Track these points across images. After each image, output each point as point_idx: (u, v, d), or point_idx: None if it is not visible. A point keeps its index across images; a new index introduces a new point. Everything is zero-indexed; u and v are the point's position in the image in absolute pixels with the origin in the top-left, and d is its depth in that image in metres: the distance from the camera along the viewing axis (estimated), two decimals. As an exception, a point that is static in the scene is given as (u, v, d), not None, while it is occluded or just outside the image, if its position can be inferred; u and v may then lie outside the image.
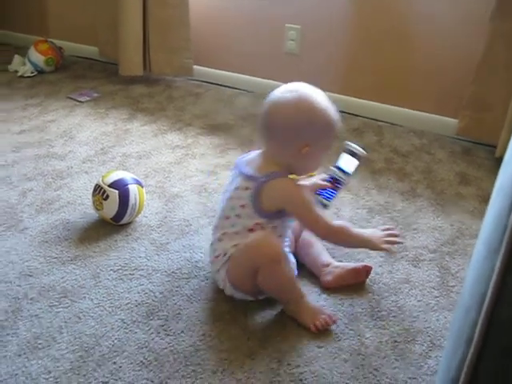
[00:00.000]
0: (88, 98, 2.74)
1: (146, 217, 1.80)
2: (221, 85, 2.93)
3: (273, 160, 1.41)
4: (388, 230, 1.52)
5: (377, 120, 2.56)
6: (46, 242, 1.68)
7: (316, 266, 1.57)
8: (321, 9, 2.56)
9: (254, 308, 1.44)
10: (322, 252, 1.59)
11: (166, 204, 1.88)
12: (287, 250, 1.49)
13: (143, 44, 2.84)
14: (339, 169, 1.56)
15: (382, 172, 2.12)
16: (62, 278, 1.53)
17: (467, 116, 2.28)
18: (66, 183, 1.99)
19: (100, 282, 1.52)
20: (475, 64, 2.18)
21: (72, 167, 2.09)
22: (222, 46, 2.91)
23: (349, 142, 1.59)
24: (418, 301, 1.50)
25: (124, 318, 1.40)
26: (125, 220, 1.73)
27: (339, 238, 1.44)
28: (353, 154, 1.57)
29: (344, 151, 1.58)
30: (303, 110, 1.36)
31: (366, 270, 1.56)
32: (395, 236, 1.50)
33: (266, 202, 1.37)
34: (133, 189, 1.72)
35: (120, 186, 1.70)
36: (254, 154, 1.48)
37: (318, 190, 1.54)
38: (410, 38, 2.42)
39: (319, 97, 1.39)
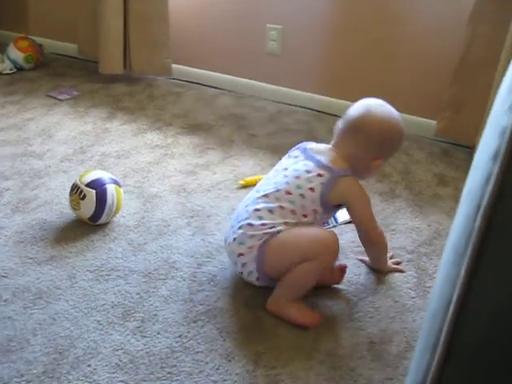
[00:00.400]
0: (68, 97, 2.71)
1: (124, 217, 1.79)
2: (202, 84, 2.92)
3: (346, 159, 1.48)
4: (397, 262, 1.65)
5: (357, 121, 2.57)
6: (22, 242, 1.66)
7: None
8: (302, 9, 2.56)
9: (231, 309, 1.44)
10: None
11: (144, 204, 1.87)
12: None
13: (124, 41, 2.82)
14: (337, 222, 1.80)
15: (361, 173, 2.13)
16: (38, 278, 1.52)
17: (446, 118, 2.29)
18: (44, 182, 1.97)
19: (76, 282, 1.51)
20: (453, 66, 2.20)
21: (50, 166, 2.07)
22: (203, 45, 2.90)
23: None
24: (395, 301, 1.51)
25: (100, 319, 1.39)
26: (102, 220, 1.72)
27: (380, 243, 1.55)
28: None
29: None
30: (395, 129, 1.52)
31: (341, 270, 1.57)
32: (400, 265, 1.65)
33: (334, 194, 1.44)
34: (110, 189, 1.71)
35: (97, 185, 1.69)
36: (322, 146, 1.54)
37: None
38: (391, 40, 2.43)
39: (400, 120, 1.55)
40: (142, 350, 1.31)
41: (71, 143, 2.25)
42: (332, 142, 1.54)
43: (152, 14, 2.74)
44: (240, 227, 1.43)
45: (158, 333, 1.36)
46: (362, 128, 1.49)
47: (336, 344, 1.36)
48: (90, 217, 1.70)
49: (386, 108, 1.53)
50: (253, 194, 1.50)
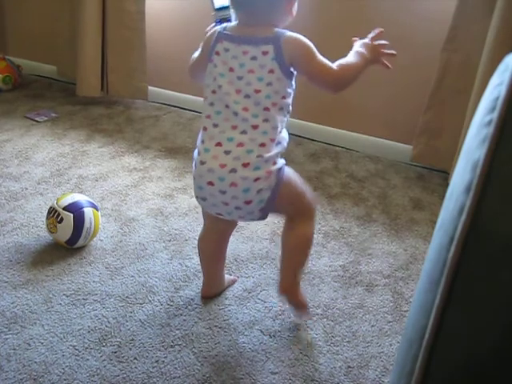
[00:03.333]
0: (45, 118, 2.70)
1: (102, 240, 1.78)
2: (180, 107, 2.93)
3: (268, 24, 1.35)
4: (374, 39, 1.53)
5: (333, 145, 2.60)
6: (-3, 265, 1.64)
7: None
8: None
9: (208, 334, 1.44)
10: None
11: (121, 227, 1.86)
12: None
13: (101, 65, 2.84)
14: (218, 9, 1.56)
15: (338, 197, 2.15)
16: (13, 303, 1.50)
17: (421, 143, 2.33)
18: (20, 205, 1.95)
19: (52, 307, 1.49)
20: (428, 92, 2.24)
21: (27, 188, 2.06)
22: (181, 69, 2.91)
23: None
24: (372, 326, 1.52)
25: (76, 344, 1.38)
26: (79, 243, 1.71)
27: (348, 76, 1.45)
28: None
29: None
30: None
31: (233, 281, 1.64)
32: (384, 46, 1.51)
33: (287, 57, 1.31)
34: (88, 212, 1.70)
35: (75, 209, 1.68)
36: (229, 26, 1.39)
37: None
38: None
39: None
40: (118, 375, 1.30)
41: (48, 165, 2.24)
42: (238, 21, 1.39)
43: (129, 40, 2.75)
44: (251, 150, 1.29)
45: (135, 358, 1.35)
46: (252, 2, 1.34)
47: (313, 369, 1.36)
48: (67, 240, 1.69)
49: None
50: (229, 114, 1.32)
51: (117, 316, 1.48)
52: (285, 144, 1.36)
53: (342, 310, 1.56)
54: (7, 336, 1.38)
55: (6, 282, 1.58)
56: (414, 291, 1.66)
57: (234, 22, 1.41)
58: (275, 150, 1.31)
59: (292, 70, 1.34)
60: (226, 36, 1.35)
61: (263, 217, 1.36)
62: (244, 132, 1.29)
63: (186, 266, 1.68)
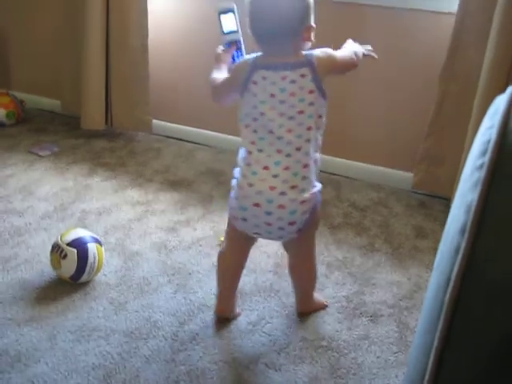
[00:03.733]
0: (48, 152, 2.73)
1: (105, 275, 1.79)
2: (181, 139, 2.95)
3: (293, 51, 1.44)
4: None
5: (335, 174, 2.61)
6: (1, 302, 1.64)
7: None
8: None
9: (213, 369, 1.44)
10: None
11: (125, 262, 1.87)
12: None
13: (105, 99, 2.87)
14: (227, 33, 1.63)
15: (341, 227, 2.15)
16: (17, 340, 1.50)
17: (422, 170, 2.34)
18: (24, 240, 1.96)
19: (56, 344, 1.50)
20: (428, 120, 2.26)
21: (30, 223, 2.07)
22: (182, 101, 2.95)
23: (217, 5, 1.64)
24: (377, 357, 1.51)
25: (80, 382, 1.37)
26: (83, 279, 1.71)
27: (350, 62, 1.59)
28: (225, 11, 1.63)
29: (218, 15, 1.64)
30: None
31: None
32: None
33: (321, 74, 1.44)
34: (91, 247, 1.71)
35: (79, 244, 1.69)
36: (259, 57, 1.46)
37: (231, 60, 1.62)
38: (367, 95, 2.49)
39: None
40: (123, 413, 1.29)
41: (52, 200, 2.25)
42: (267, 54, 1.45)
43: (133, 74, 2.79)
44: (297, 173, 1.38)
45: (140, 395, 1.35)
46: (281, 17, 1.41)
47: (319, 402, 1.35)
48: (71, 276, 1.69)
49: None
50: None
51: (121, 352, 1.48)
52: (319, 163, 1.48)
53: (347, 342, 1.56)
54: (11, 375, 1.38)
55: (10, 319, 1.58)
56: (418, 321, 1.65)
57: (259, 54, 1.47)
58: (314, 170, 1.44)
59: (325, 95, 1.47)
60: (261, 65, 1.42)
61: (299, 233, 1.45)
62: (289, 155, 1.39)
63: (190, 300, 1.68)
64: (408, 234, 2.13)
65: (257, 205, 1.39)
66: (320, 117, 1.46)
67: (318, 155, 1.47)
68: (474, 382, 0.52)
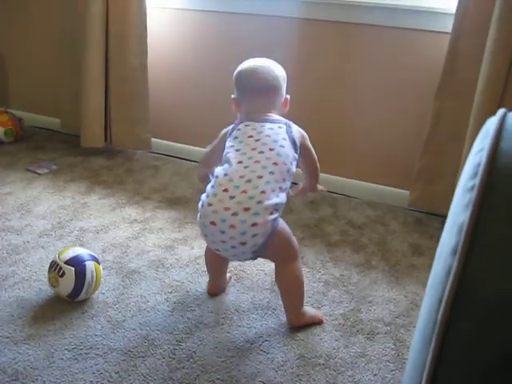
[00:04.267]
0: (47, 170, 2.74)
1: (103, 293, 1.79)
2: (179, 157, 2.97)
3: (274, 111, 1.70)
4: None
5: (332, 192, 2.63)
6: (-1, 321, 1.65)
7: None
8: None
9: (211, 387, 1.44)
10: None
11: (122, 280, 1.87)
12: None
13: (105, 117, 2.89)
14: None
15: (338, 244, 2.16)
16: (14, 359, 1.50)
17: (418, 188, 2.36)
18: (22, 258, 1.97)
19: (54, 362, 1.50)
20: (424, 138, 2.28)
21: (28, 242, 2.08)
22: (180, 120, 2.97)
23: None
24: (375, 375, 1.52)
25: (77, 400, 1.37)
26: (81, 297, 1.71)
27: (318, 168, 1.86)
28: None
29: None
30: (280, 68, 1.74)
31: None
32: None
33: (296, 137, 1.65)
34: (89, 266, 1.71)
35: (76, 263, 1.70)
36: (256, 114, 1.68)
37: None
38: (363, 113, 2.52)
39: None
40: (120, 432, 1.29)
41: (50, 218, 2.26)
42: (251, 111, 1.69)
43: (133, 93, 2.82)
44: (252, 197, 1.47)
45: (137, 413, 1.35)
46: (276, 85, 1.70)
47: (316, 421, 1.35)
48: (68, 294, 1.70)
49: (266, 61, 1.74)
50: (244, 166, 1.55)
51: (119, 370, 1.48)
52: (284, 202, 1.56)
53: (344, 360, 1.56)
54: (9, 394, 1.38)
55: (8, 337, 1.58)
56: (412, 341, 1.66)
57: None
58: (275, 201, 1.50)
59: (297, 149, 1.64)
60: (246, 119, 1.66)
61: (254, 258, 1.56)
62: (249, 181, 1.50)
63: (187, 318, 1.69)
64: (405, 252, 2.14)
65: (213, 223, 1.49)
66: (290, 163, 1.60)
67: (283, 195, 1.55)
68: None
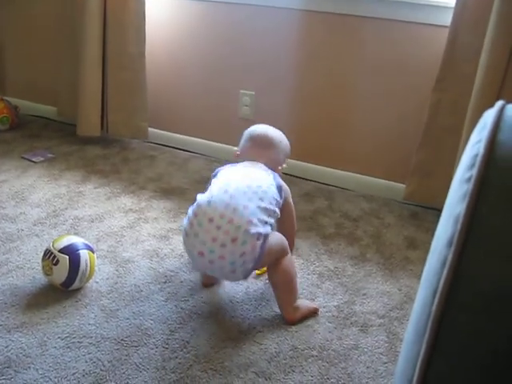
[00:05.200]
0: (42, 159, 2.73)
1: (97, 282, 1.79)
2: (175, 148, 2.96)
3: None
4: None
5: (327, 185, 2.62)
6: (-8, 308, 1.64)
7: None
8: (274, 76, 2.65)
9: (204, 377, 1.44)
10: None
11: (117, 269, 1.87)
12: None
13: (101, 105, 2.88)
14: None
15: (333, 237, 2.16)
16: (7, 346, 1.49)
17: (414, 182, 2.36)
18: (16, 246, 1.96)
19: (47, 350, 1.49)
20: (421, 132, 2.28)
21: (23, 230, 2.07)
22: (177, 109, 2.96)
23: None
24: (367, 367, 1.52)
25: (70, 388, 1.37)
26: (75, 286, 1.71)
27: (294, 226, 1.90)
28: None
29: None
30: (287, 142, 1.91)
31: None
32: None
33: (282, 183, 1.72)
34: (84, 254, 1.71)
35: (71, 251, 1.69)
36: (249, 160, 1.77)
37: None
38: (360, 106, 2.51)
39: None
40: (112, 420, 1.29)
41: (45, 206, 2.25)
42: (249, 156, 1.79)
43: (130, 81, 2.80)
44: (239, 226, 1.50)
45: (130, 402, 1.35)
46: (273, 142, 1.83)
47: (308, 412, 1.35)
48: (62, 282, 1.69)
49: (274, 130, 1.90)
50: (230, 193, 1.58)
51: (112, 359, 1.47)
52: (269, 234, 1.57)
53: (337, 352, 1.56)
54: (0, 381, 1.38)
55: (1, 325, 1.57)
56: (405, 333, 1.66)
57: None
58: (261, 230, 1.53)
59: (281, 196, 1.68)
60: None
61: (245, 278, 1.61)
62: (235, 210, 1.52)
63: (181, 308, 1.69)
64: (400, 245, 2.14)
65: (201, 253, 1.53)
66: (275, 203, 1.63)
67: (269, 229, 1.58)
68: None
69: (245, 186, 1.58)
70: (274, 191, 1.64)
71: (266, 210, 1.57)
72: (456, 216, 0.53)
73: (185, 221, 1.59)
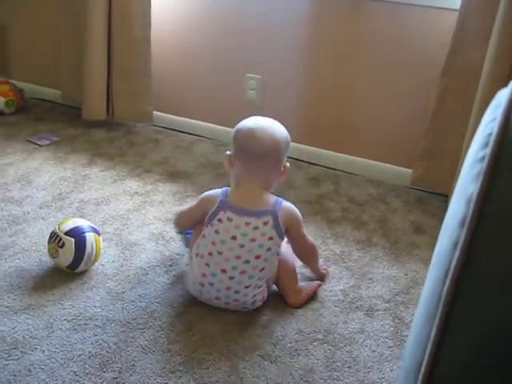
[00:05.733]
0: (47, 142, 2.72)
1: (103, 265, 1.79)
2: (181, 131, 2.95)
3: (265, 187, 1.60)
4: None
5: (334, 169, 2.61)
6: (-2, 290, 1.65)
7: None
8: (281, 60, 2.63)
9: (209, 360, 1.44)
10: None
11: (122, 252, 1.87)
12: None
13: (107, 89, 2.86)
14: None
15: (339, 221, 2.16)
16: (14, 328, 1.50)
17: (421, 167, 2.34)
18: (22, 229, 1.96)
19: (53, 332, 1.50)
20: (428, 116, 2.26)
21: (28, 212, 2.07)
22: (183, 93, 2.95)
23: None
24: (373, 351, 1.52)
25: (76, 370, 1.38)
26: (80, 268, 1.71)
27: (315, 253, 1.74)
28: None
29: None
30: (285, 132, 1.63)
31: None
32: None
33: (283, 223, 1.56)
34: (89, 237, 1.71)
35: (76, 234, 1.69)
36: (240, 193, 1.60)
37: None
38: (367, 90, 2.49)
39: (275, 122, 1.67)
40: (118, 402, 1.30)
41: (50, 189, 2.25)
42: (242, 181, 1.60)
43: (135, 65, 2.78)
44: (252, 276, 1.56)
45: (136, 384, 1.35)
46: (267, 153, 1.57)
47: (314, 395, 1.36)
48: (68, 265, 1.69)
49: (265, 123, 1.62)
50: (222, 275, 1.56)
51: (118, 341, 1.48)
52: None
53: (343, 335, 1.56)
54: (7, 362, 1.38)
55: (7, 306, 1.58)
56: (414, 315, 1.66)
57: (232, 186, 1.63)
58: (263, 284, 1.61)
59: (283, 235, 1.59)
60: (230, 207, 1.55)
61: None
62: (237, 292, 1.55)
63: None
64: (406, 230, 2.13)
65: (218, 298, 1.58)
66: (277, 254, 1.60)
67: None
68: (471, 374, 0.52)
69: (243, 263, 1.53)
70: (275, 244, 1.56)
71: (269, 272, 1.61)
72: (469, 196, 0.52)
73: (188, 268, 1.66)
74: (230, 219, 1.54)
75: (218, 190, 1.62)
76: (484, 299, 0.52)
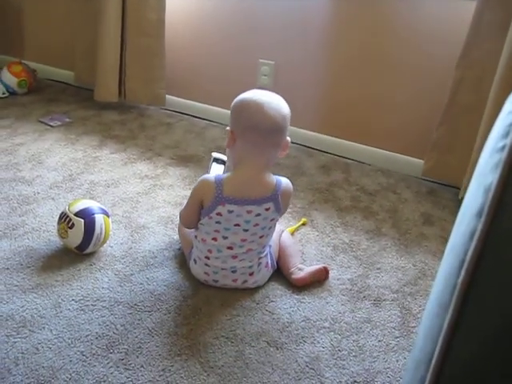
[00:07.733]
0: (59, 123, 2.73)
1: (111, 247, 1.79)
2: (193, 116, 2.94)
3: (267, 165, 1.57)
4: None
5: (345, 158, 2.60)
6: (8, 268, 1.65)
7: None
8: (294, 46, 2.61)
9: (215, 344, 1.44)
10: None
11: (131, 235, 1.87)
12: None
13: (119, 71, 2.86)
14: (216, 159, 1.84)
15: (349, 210, 2.15)
16: (22, 306, 1.51)
17: (433, 158, 2.33)
18: (32, 209, 1.97)
19: (61, 312, 1.50)
20: (442, 108, 2.24)
21: (39, 193, 2.07)
22: (195, 78, 2.94)
23: (214, 153, 1.86)
24: (379, 341, 1.51)
25: (83, 350, 1.38)
26: (89, 249, 1.72)
27: None
28: (219, 161, 1.82)
29: (212, 161, 1.83)
30: (286, 106, 1.56)
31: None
32: None
33: (282, 203, 1.59)
34: (99, 218, 1.71)
35: (86, 215, 1.69)
36: (244, 174, 1.55)
37: None
38: (381, 80, 2.47)
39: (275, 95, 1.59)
40: (124, 382, 1.30)
41: (61, 170, 2.26)
42: (244, 158, 1.54)
43: (149, 48, 2.78)
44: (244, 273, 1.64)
45: (142, 366, 1.35)
46: (276, 129, 1.51)
47: (319, 383, 1.36)
48: (77, 246, 1.70)
49: (266, 98, 1.52)
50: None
51: (125, 323, 1.48)
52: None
53: (350, 324, 1.56)
54: (16, 340, 1.39)
55: (16, 285, 1.59)
56: (422, 307, 1.66)
57: (230, 168, 1.62)
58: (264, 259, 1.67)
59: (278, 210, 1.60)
60: (228, 200, 1.52)
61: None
62: (242, 260, 1.62)
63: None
64: (416, 221, 2.12)
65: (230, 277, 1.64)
66: (274, 224, 1.65)
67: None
68: (483, 366, 0.52)
69: (248, 243, 1.59)
70: (275, 220, 1.62)
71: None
72: (487, 186, 0.51)
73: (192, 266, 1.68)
74: (230, 211, 1.53)
75: (211, 177, 1.55)
76: (499, 291, 0.51)
